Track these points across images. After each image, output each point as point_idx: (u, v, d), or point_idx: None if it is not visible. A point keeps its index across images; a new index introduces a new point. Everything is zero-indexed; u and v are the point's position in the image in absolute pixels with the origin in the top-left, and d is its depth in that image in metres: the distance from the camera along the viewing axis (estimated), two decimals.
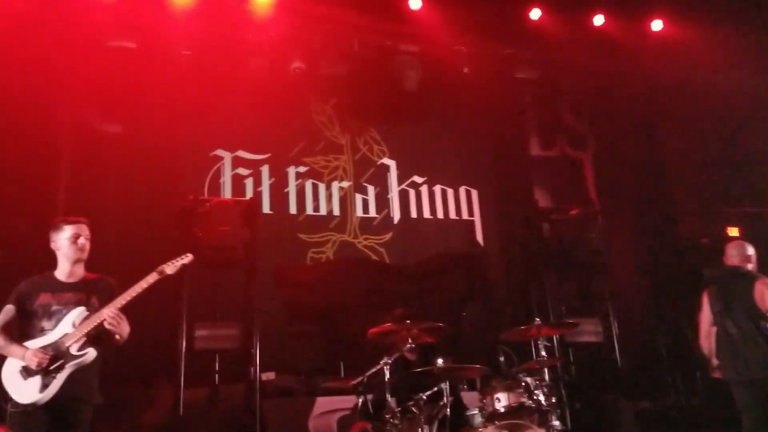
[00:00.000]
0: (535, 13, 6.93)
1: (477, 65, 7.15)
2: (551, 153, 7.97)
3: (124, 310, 3.64)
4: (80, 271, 3.80)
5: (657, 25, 7.27)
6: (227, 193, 6.80)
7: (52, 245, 3.78)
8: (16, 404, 3.47)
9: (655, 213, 7.65)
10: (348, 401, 5.01)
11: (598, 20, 7.14)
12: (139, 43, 6.48)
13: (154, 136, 6.46)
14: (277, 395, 5.65)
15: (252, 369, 5.57)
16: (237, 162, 6.98)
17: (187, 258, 3.87)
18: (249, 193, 6.83)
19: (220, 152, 6.96)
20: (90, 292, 3.74)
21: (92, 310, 3.67)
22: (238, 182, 6.91)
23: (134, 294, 3.62)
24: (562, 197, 7.63)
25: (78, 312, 3.65)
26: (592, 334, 6.35)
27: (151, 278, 3.70)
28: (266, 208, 6.85)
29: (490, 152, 7.77)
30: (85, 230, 3.78)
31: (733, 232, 6.81)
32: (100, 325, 3.55)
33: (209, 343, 5.57)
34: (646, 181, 7.79)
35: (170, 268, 3.78)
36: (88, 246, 3.78)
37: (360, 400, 4.53)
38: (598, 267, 6.64)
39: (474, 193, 7.59)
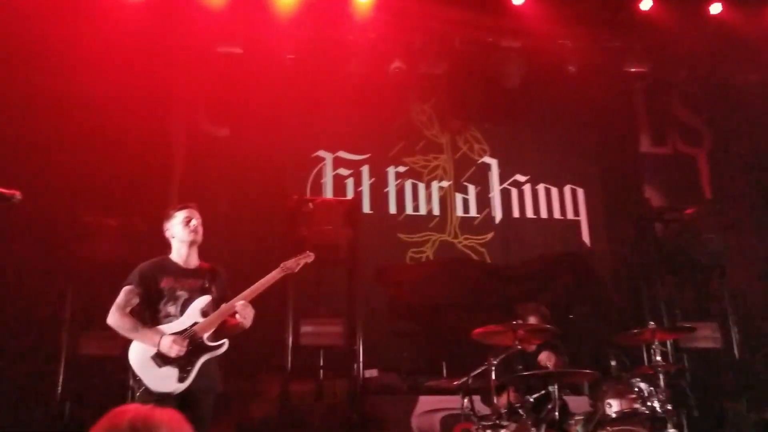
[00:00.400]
0: (646, 3, 6.62)
1: (583, 59, 6.91)
2: (663, 150, 7.59)
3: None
4: (195, 257, 3.78)
5: None
6: (328, 193, 6.93)
7: (167, 234, 3.79)
8: (150, 392, 3.39)
9: None
10: (451, 401, 4.96)
11: (715, 8, 6.73)
12: (246, 49, 6.72)
13: (259, 139, 6.69)
14: (379, 392, 5.69)
15: (355, 366, 5.65)
16: (338, 162, 7.10)
17: (310, 257, 3.92)
18: (350, 193, 6.93)
19: (321, 153, 7.11)
20: (209, 280, 3.72)
21: (215, 299, 3.65)
22: (339, 182, 7.03)
23: (261, 289, 3.65)
24: (673, 196, 7.25)
25: (206, 301, 3.62)
26: (710, 340, 5.99)
27: (277, 274, 3.75)
28: (366, 208, 6.92)
29: (597, 149, 7.49)
30: (195, 214, 3.79)
31: None
32: (229, 315, 3.55)
33: (314, 340, 5.69)
34: (764, 176, 7.27)
35: (293, 263, 3.83)
36: (200, 229, 3.77)
37: (464, 401, 4.47)
38: (716, 269, 6.25)
39: (580, 192, 7.34)
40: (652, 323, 4.54)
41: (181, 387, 3.41)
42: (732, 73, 7.19)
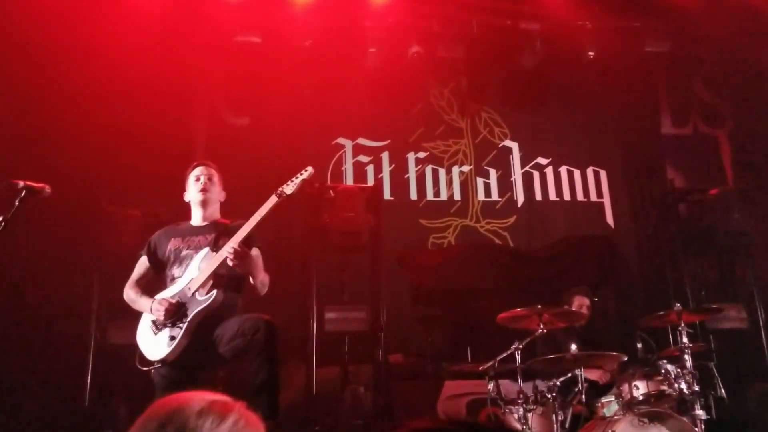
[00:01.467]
0: None
1: (602, 40, 6.83)
2: (684, 131, 7.51)
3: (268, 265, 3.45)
4: (215, 215, 3.62)
5: None
6: (349, 180, 6.95)
7: (185, 198, 3.67)
8: (148, 362, 3.32)
9: None
10: (477, 385, 4.98)
11: None
12: (264, 37, 6.73)
13: (279, 127, 6.71)
14: (405, 377, 5.73)
15: (379, 351, 5.69)
16: (358, 149, 7.10)
17: (307, 172, 3.51)
18: (370, 180, 6.94)
19: (341, 140, 7.11)
20: (220, 232, 3.47)
21: (218, 251, 3.36)
22: (359, 169, 7.04)
23: (254, 222, 3.33)
24: (695, 177, 7.18)
25: (203, 254, 3.40)
26: (736, 321, 5.96)
27: (270, 202, 3.40)
28: (387, 195, 6.92)
29: (618, 131, 7.43)
30: (207, 171, 3.64)
31: None
32: (225, 264, 3.25)
33: (338, 326, 5.72)
34: None
35: (289, 187, 3.46)
36: (214, 188, 3.61)
37: (490, 386, 4.49)
38: (741, 250, 6.20)
39: (603, 174, 7.29)
40: (678, 305, 4.53)
41: (174, 351, 3.25)
42: (754, 53, 7.06)
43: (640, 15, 6.85)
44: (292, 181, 3.48)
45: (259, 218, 3.37)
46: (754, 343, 6.14)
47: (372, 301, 5.84)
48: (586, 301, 5.18)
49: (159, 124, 6.26)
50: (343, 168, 7.04)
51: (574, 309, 5.02)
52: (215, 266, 3.31)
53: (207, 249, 3.40)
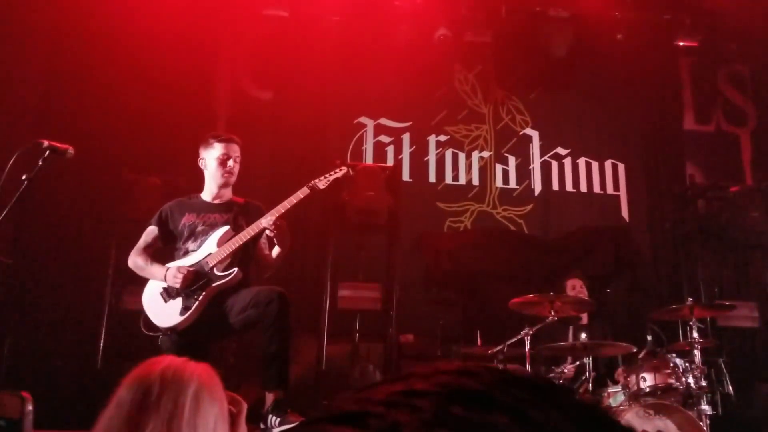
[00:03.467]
0: None
1: (632, 31, 6.75)
2: (707, 128, 7.45)
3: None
4: (228, 193, 3.61)
5: None
6: (369, 159, 6.95)
7: (200, 163, 3.60)
8: (155, 327, 3.34)
9: None
10: None
11: None
12: (291, 11, 6.72)
13: (302, 103, 6.71)
14: (414, 357, 5.80)
15: (391, 330, 5.75)
16: (379, 129, 7.10)
17: (341, 171, 3.63)
18: (390, 161, 6.94)
19: (363, 119, 7.11)
20: (238, 213, 3.54)
21: (238, 231, 3.44)
22: (379, 149, 7.05)
23: (288, 206, 3.45)
24: (714, 174, 7.13)
25: (222, 231, 3.44)
26: (748, 319, 5.95)
27: (302, 193, 3.52)
28: (406, 176, 6.93)
29: (640, 125, 7.37)
30: (235, 151, 3.58)
31: None
32: (246, 245, 3.36)
33: (351, 303, 5.79)
34: None
35: (322, 182, 3.56)
36: (237, 169, 3.58)
37: None
38: (758, 249, 6.18)
39: (621, 167, 7.25)
40: (691, 299, 4.55)
41: (185, 321, 3.30)
42: None
43: (672, 8, 6.77)
44: (326, 177, 3.59)
45: (287, 207, 3.47)
46: (764, 342, 6.14)
47: (386, 281, 5.89)
48: (579, 283, 5.23)
49: (182, 93, 6.31)
50: (363, 147, 7.06)
51: (568, 291, 5.08)
52: (237, 246, 3.38)
53: (227, 227, 3.45)
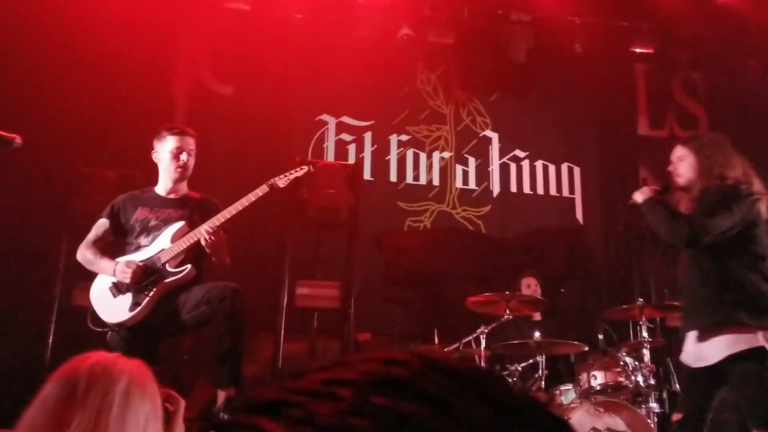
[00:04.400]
0: None
1: (590, 37, 6.89)
2: (660, 133, 7.64)
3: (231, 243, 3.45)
4: (183, 187, 3.55)
5: None
6: (330, 157, 6.94)
7: (154, 156, 3.52)
8: (102, 323, 3.27)
9: None
10: None
11: None
12: (254, 5, 6.65)
13: (263, 98, 6.66)
14: None
15: (348, 328, 5.75)
16: (341, 127, 7.09)
17: (302, 170, 3.55)
18: (351, 159, 6.94)
19: (325, 117, 7.08)
20: (193, 209, 3.47)
21: (194, 227, 3.36)
22: (341, 147, 7.03)
23: (240, 208, 3.35)
24: (667, 178, 7.31)
25: (177, 227, 3.37)
26: None
27: (260, 191, 3.42)
28: (367, 175, 6.93)
29: (596, 129, 7.52)
30: (189, 144, 3.50)
31: None
32: (199, 242, 3.26)
33: (309, 301, 5.75)
34: (760, 165, 7.34)
35: (282, 181, 3.49)
36: (191, 163, 3.50)
37: None
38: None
39: (576, 171, 7.38)
40: (641, 300, 4.66)
41: (135, 317, 3.23)
42: (733, 61, 7.21)
43: (629, 15, 6.93)
44: (286, 176, 3.51)
45: (242, 206, 3.38)
46: None
47: (345, 279, 5.88)
48: (534, 282, 5.34)
49: (140, 85, 6.18)
50: (325, 145, 7.04)
51: (523, 289, 5.18)
52: (191, 243, 3.31)
53: (182, 222, 3.39)
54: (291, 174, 3.54)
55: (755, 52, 7.11)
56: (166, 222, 3.42)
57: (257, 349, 5.89)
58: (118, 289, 3.29)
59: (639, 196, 3.48)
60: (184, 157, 3.49)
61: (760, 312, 2.98)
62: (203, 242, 3.26)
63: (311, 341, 5.91)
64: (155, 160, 3.58)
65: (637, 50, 7.07)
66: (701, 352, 3.07)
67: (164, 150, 3.50)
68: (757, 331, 2.94)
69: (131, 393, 1.25)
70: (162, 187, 3.56)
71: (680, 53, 7.30)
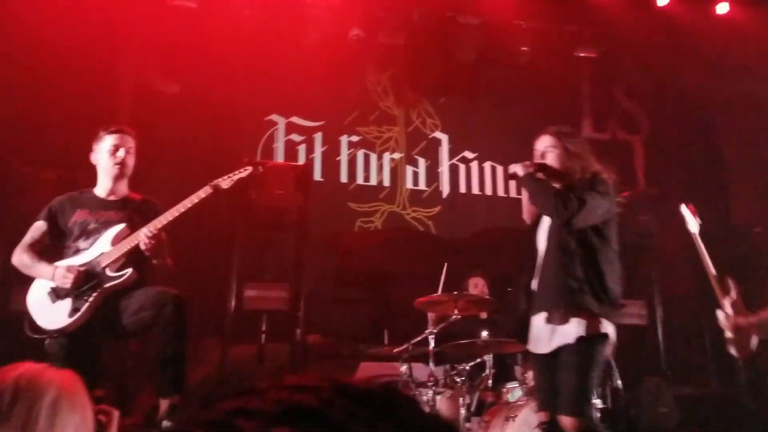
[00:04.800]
0: None
1: (536, 41, 7.02)
2: (603, 135, 7.84)
3: (176, 243, 3.46)
4: (123, 189, 3.47)
5: (722, 8, 7.04)
6: (280, 158, 6.88)
7: (92, 158, 3.46)
8: (41, 330, 3.17)
9: (707, 200, 7.50)
10: (391, 368, 5.10)
11: (662, 0, 6.95)
12: (200, 3, 6.53)
13: (211, 98, 6.55)
14: (321, 358, 5.79)
15: (298, 331, 5.71)
16: (291, 128, 7.04)
17: (246, 171, 3.46)
18: (301, 160, 6.90)
19: (274, 117, 7.02)
20: (134, 211, 3.40)
21: (135, 229, 3.28)
22: (290, 148, 6.98)
23: (182, 210, 3.28)
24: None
25: (118, 229, 3.29)
26: (636, 317, 6.31)
27: (203, 192, 3.35)
28: (317, 176, 6.91)
29: (541, 132, 7.65)
30: (128, 142, 3.43)
31: None
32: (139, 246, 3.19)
33: (258, 304, 5.70)
34: (699, 168, 7.64)
35: (226, 182, 3.40)
36: (130, 161, 3.44)
37: (403, 368, 4.62)
38: (646, 250, 6.56)
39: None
40: None
41: (71, 321, 3.14)
42: (672, 65, 7.45)
43: (574, 20, 7.08)
44: (229, 177, 3.43)
45: (184, 209, 3.31)
46: (651, 338, 6.53)
47: (294, 281, 5.84)
48: (481, 281, 5.42)
49: (82, 83, 6.01)
50: (274, 145, 6.98)
51: (470, 290, 5.25)
52: (131, 246, 3.24)
53: (123, 225, 3.32)
54: (235, 175, 3.46)
55: (693, 56, 7.36)
56: (106, 225, 3.34)
57: (204, 353, 5.80)
58: (56, 294, 3.20)
59: (520, 170, 3.39)
60: (121, 153, 3.42)
61: (610, 305, 3.07)
62: (142, 246, 3.20)
63: (260, 344, 5.85)
64: (94, 163, 3.50)
65: (582, 54, 7.22)
66: (552, 335, 3.04)
67: (102, 150, 3.44)
68: (602, 320, 3.01)
69: (59, 405, 1.21)
70: (102, 189, 3.48)
71: (623, 58, 7.51)
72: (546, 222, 3.36)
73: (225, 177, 3.44)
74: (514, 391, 4.61)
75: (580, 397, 2.93)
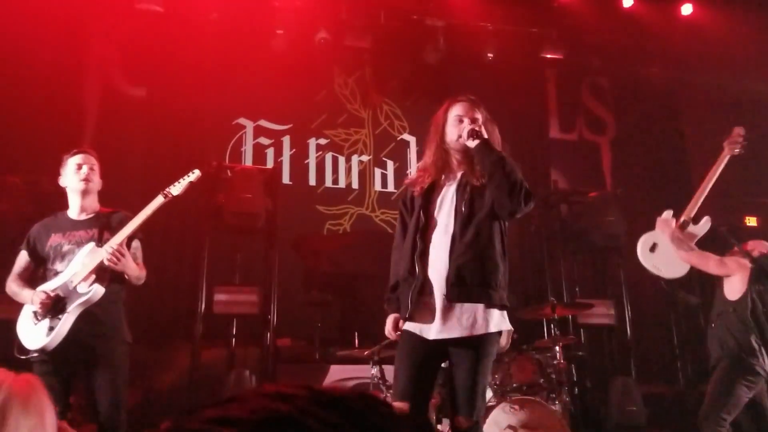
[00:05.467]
0: None
1: (501, 42, 7.08)
2: (570, 136, 7.95)
3: (146, 254, 3.55)
4: (93, 205, 3.56)
5: (687, 9, 7.17)
6: (248, 161, 6.84)
7: (61, 183, 3.59)
8: (26, 350, 3.32)
9: (673, 200, 7.63)
10: (362, 370, 5.11)
11: (627, 2, 7.06)
12: (166, 7, 6.47)
13: (177, 101, 6.48)
14: (291, 361, 5.77)
15: (268, 334, 5.69)
16: (259, 131, 7.01)
17: (194, 174, 3.54)
18: (270, 163, 6.88)
19: (242, 120, 6.99)
20: (103, 226, 3.48)
21: (104, 244, 3.37)
22: (259, 151, 6.95)
23: (138, 223, 3.35)
24: (577, 180, 7.63)
25: (88, 248, 3.39)
26: (605, 317, 6.40)
27: (156, 202, 3.41)
28: (286, 179, 6.88)
29: (509, 132, 7.69)
30: (90, 160, 3.56)
31: (752, 221, 6.82)
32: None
33: (227, 308, 5.67)
34: (665, 168, 7.78)
35: (176, 188, 3.48)
36: (95, 177, 3.55)
37: (374, 370, 4.63)
38: (614, 250, 6.65)
39: None
40: (553, 299, 4.84)
41: (52, 341, 3.25)
42: (638, 66, 7.58)
43: (539, 22, 7.16)
44: (179, 182, 3.51)
45: (140, 220, 3.39)
46: (620, 338, 6.63)
47: (264, 284, 5.83)
48: None
49: (47, 86, 5.94)
50: (242, 149, 6.94)
51: None
52: (97, 262, 3.33)
53: (92, 244, 3.40)
54: (184, 180, 3.53)
55: (659, 57, 7.50)
56: (79, 244, 3.45)
57: (174, 357, 5.75)
58: (37, 316, 3.36)
59: (483, 136, 2.93)
60: (84, 170, 3.54)
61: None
62: (106, 262, 3.31)
63: (230, 348, 5.82)
64: (63, 185, 3.61)
65: (547, 56, 7.31)
66: (459, 322, 2.79)
67: (68, 172, 3.57)
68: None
69: (9, 407, 1.20)
70: (73, 210, 3.59)
71: (588, 59, 7.61)
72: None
73: (175, 183, 3.52)
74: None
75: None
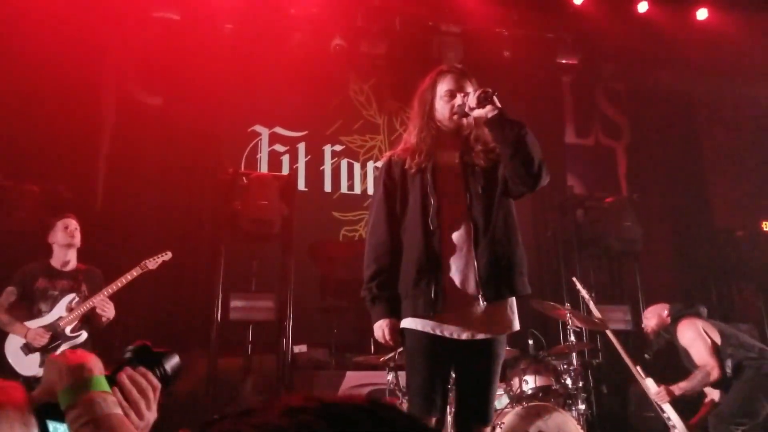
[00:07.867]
0: None
1: (517, 48, 7.07)
2: (586, 141, 7.92)
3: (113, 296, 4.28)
4: (73, 260, 4.38)
5: (702, 14, 7.13)
6: (263, 168, 6.87)
7: (49, 239, 4.38)
8: (18, 375, 4.00)
9: (690, 205, 7.59)
10: (378, 376, 5.11)
11: (642, 7, 7.03)
12: (183, 15, 6.54)
13: (193, 109, 6.53)
14: (308, 367, 5.78)
15: (284, 341, 5.71)
16: (274, 138, 7.04)
17: (167, 255, 4.43)
18: (285, 170, 6.90)
19: (258, 128, 7.02)
20: (81, 280, 4.35)
21: (82, 296, 4.29)
22: (274, 158, 6.98)
23: (120, 285, 4.21)
24: (593, 186, 7.59)
25: (71, 298, 4.27)
26: (622, 322, 6.35)
27: (135, 272, 4.26)
28: (301, 185, 6.91)
29: None
30: (72, 222, 4.39)
31: None
32: (91, 309, 4.21)
33: (244, 315, 5.70)
34: (681, 173, 7.73)
35: (152, 263, 4.34)
36: (78, 235, 4.37)
37: (390, 377, 4.62)
38: (630, 255, 6.61)
39: None
40: (568, 305, 4.80)
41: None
42: (653, 71, 7.54)
43: (554, 27, 7.15)
44: (154, 259, 4.36)
45: (124, 282, 4.22)
46: (636, 343, 6.56)
47: (280, 291, 5.84)
48: None
49: (65, 95, 6.00)
50: (258, 156, 6.97)
51: None
52: (84, 311, 4.20)
53: (74, 294, 4.26)
54: (159, 257, 4.38)
55: (674, 62, 7.46)
56: (63, 292, 4.26)
57: (191, 365, 5.78)
58: (28, 349, 4.12)
59: (497, 103, 2.56)
60: (71, 228, 4.39)
61: None
62: (100, 312, 4.17)
63: (246, 355, 5.84)
64: (51, 242, 4.37)
65: (563, 61, 7.29)
66: (490, 319, 2.57)
67: (57, 231, 4.38)
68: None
69: None
70: (56, 260, 4.36)
71: (603, 65, 7.58)
72: None
73: (151, 259, 4.37)
74: (500, 398, 4.62)
75: None
